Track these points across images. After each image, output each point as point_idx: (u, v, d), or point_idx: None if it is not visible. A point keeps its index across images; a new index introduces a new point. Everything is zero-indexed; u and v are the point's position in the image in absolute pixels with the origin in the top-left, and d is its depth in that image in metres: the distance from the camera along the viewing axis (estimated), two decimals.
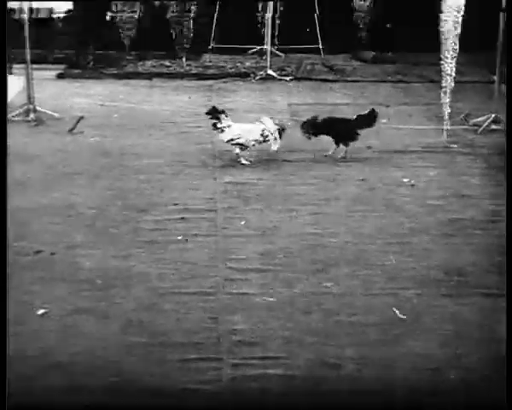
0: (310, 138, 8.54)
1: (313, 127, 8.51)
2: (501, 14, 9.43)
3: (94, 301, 5.27)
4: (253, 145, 8.30)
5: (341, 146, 8.51)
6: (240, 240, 6.30)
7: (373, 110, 8.64)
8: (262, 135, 8.27)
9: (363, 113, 8.71)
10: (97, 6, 13.85)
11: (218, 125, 8.29)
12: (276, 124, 8.38)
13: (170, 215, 6.79)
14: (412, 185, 7.64)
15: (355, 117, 8.62)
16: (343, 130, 8.52)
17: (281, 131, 8.36)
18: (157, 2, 13.82)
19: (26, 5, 10.09)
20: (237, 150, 8.27)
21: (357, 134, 8.46)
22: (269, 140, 8.30)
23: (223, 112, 8.36)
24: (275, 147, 8.33)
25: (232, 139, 8.25)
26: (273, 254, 6.03)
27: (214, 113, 8.35)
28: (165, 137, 9.27)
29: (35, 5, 13.04)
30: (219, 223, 6.65)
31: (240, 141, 8.24)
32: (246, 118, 9.52)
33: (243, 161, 8.25)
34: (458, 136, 9.31)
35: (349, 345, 4.78)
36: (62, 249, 6.06)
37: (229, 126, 8.28)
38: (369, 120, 8.56)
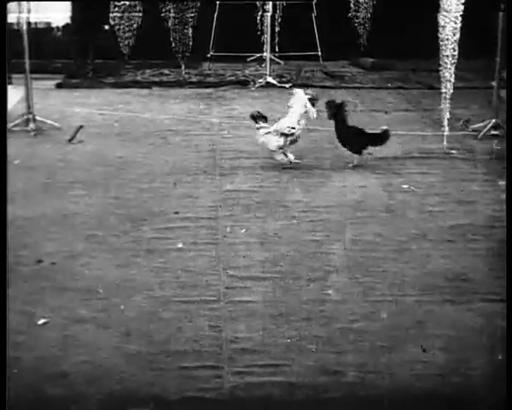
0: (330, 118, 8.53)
1: (336, 112, 8.50)
2: (500, 15, 9.42)
3: (95, 311, 5.26)
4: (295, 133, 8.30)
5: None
6: (240, 248, 6.29)
7: (386, 131, 8.50)
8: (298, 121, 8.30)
9: (376, 131, 8.59)
10: (96, 15, 13.85)
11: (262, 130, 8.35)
12: (307, 94, 8.41)
13: (170, 224, 6.79)
14: (413, 191, 7.65)
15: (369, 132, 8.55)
16: (356, 141, 8.46)
17: (313, 100, 8.38)
18: (156, 12, 13.82)
19: (24, 17, 10.11)
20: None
21: (365, 149, 8.41)
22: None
23: (264, 117, 8.40)
24: (314, 115, 8.34)
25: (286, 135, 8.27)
26: (274, 261, 6.03)
27: (257, 117, 8.40)
28: (165, 146, 9.27)
29: (33, 19, 13.06)
30: (220, 231, 6.65)
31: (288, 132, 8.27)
32: (247, 125, 9.56)
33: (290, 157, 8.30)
34: (458, 142, 9.31)
35: (350, 352, 4.77)
36: (63, 259, 6.06)
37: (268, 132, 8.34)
38: (380, 139, 8.46)
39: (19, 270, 5.77)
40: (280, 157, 8.33)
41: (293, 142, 8.32)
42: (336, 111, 8.47)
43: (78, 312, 5.24)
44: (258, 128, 8.40)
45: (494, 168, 8.26)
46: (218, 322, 5.11)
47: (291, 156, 8.34)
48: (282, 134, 8.25)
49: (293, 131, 8.25)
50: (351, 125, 8.58)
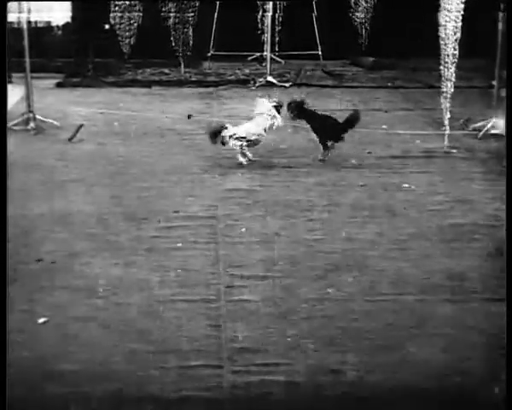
0: (294, 119, 8.68)
1: (299, 110, 8.59)
2: (500, 15, 9.42)
3: (95, 310, 5.26)
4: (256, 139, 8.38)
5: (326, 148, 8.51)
6: (241, 247, 6.29)
7: (355, 111, 8.63)
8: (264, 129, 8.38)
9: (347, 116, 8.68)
10: (96, 14, 13.86)
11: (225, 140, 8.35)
12: (273, 102, 8.50)
13: (170, 223, 6.79)
14: (413, 190, 7.65)
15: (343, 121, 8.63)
16: (329, 128, 8.52)
17: (278, 107, 8.49)
18: (156, 11, 13.82)
19: (24, 17, 10.12)
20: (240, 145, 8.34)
21: (342, 137, 8.46)
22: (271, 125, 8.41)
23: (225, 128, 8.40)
24: (280, 123, 8.45)
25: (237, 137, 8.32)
26: (274, 260, 6.02)
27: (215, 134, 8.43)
28: (165, 145, 9.28)
29: (33, 18, 13.08)
30: (220, 230, 6.65)
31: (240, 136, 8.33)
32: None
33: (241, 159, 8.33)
34: (458, 141, 9.31)
35: (350, 351, 4.77)
36: (63, 258, 6.05)
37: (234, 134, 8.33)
38: (351, 122, 8.54)
39: (19, 269, 5.77)
40: (241, 158, 8.37)
41: (252, 145, 8.40)
42: (299, 110, 8.55)
43: (79, 310, 5.24)
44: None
45: (494, 168, 8.26)
46: (218, 321, 5.11)
47: (249, 155, 8.43)
48: (242, 138, 8.30)
49: (257, 138, 8.38)
50: (323, 115, 8.69)
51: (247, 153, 8.38)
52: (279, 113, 8.48)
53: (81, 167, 8.33)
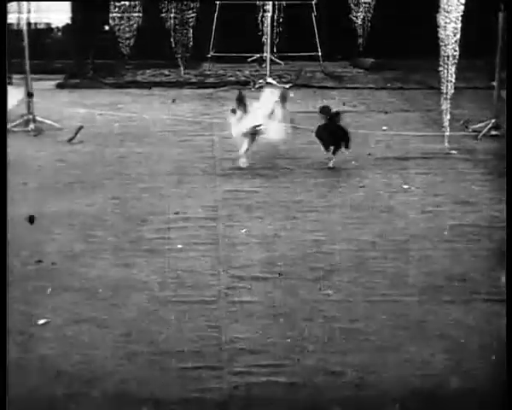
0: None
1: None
2: (500, 15, 9.41)
3: (95, 311, 5.26)
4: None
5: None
6: (241, 248, 6.29)
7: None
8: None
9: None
10: (96, 15, 13.86)
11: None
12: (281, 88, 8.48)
13: (170, 224, 6.79)
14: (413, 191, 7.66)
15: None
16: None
17: (284, 96, 8.49)
18: (156, 12, 13.81)
19: (24, 18, 10.12)
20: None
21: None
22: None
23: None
24: (279, 116, 8.38)
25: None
26: (274, 261, 6.02)
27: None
28: (165, 146, 9.27)
29: (33, 19, 13.08)
30: (220, 231, 6.65)
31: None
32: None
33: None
34: (458, 142, 9.31)
35: (350, 352, 4.77)
36: (63, 259, 6.05)
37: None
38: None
39: (19, 270, 5.77)
40: (243, 161, 8.32)
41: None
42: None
43: (79, 312, 5.24)
44: (237, 119, 8.36)
45: (494, 168, 8.25)
46: (217, 322, 5.11)
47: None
48: (249, 134, 8.27)
49: (259, 128, 8.29)
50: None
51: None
52: (285, 100, 8.49)
53: (81, 169, 8.33)
